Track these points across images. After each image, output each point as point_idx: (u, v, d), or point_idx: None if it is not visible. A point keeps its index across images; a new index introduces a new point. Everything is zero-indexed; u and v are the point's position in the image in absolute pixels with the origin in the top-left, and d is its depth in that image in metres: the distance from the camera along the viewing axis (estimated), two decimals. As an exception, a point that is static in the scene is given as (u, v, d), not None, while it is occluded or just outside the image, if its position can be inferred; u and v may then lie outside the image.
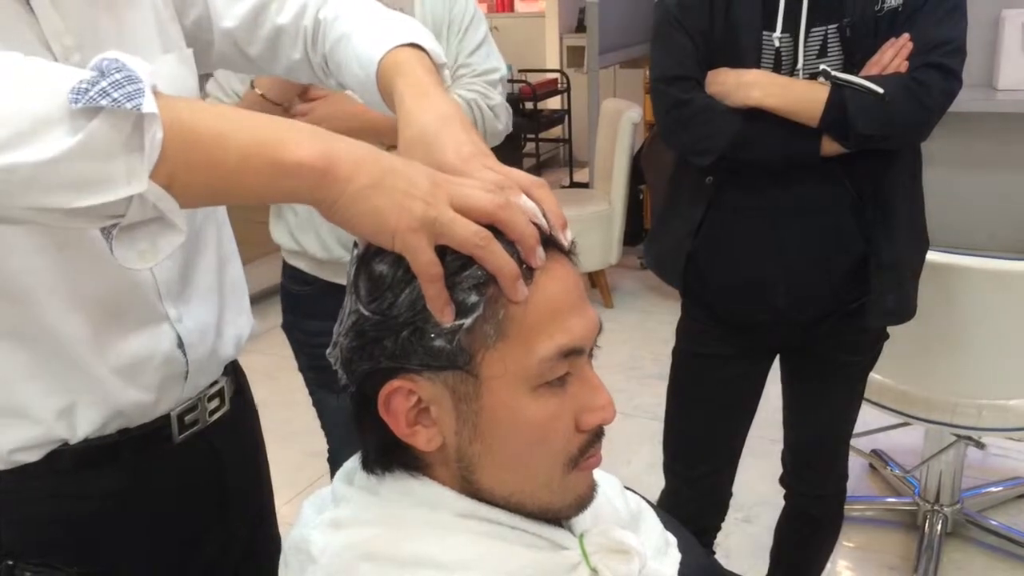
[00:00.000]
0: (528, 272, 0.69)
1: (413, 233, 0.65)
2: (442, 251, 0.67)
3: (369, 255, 0.71)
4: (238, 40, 1.06)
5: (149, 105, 0.60)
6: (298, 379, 1.89)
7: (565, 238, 0.73)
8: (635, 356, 3.54)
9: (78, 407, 0.91)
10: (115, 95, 0.59)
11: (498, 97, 1.66)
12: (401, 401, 0.71)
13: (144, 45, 0.94)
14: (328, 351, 0.75)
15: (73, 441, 0.91)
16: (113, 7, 0.91)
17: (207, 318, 1.01)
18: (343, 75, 1.01)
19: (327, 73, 1.06)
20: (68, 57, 0.85)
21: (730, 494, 1.84)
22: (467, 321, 0.68)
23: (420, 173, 0.68)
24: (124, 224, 0.62)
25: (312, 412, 1.95)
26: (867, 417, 2.29)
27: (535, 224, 0.70)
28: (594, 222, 4.03)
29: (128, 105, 0.59)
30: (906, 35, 1.42)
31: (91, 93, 0.59)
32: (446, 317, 0.68)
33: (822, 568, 1.94)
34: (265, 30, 1.06)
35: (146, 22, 0.95)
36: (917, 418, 2.18)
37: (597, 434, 0.76)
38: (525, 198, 0.72)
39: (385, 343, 0.70)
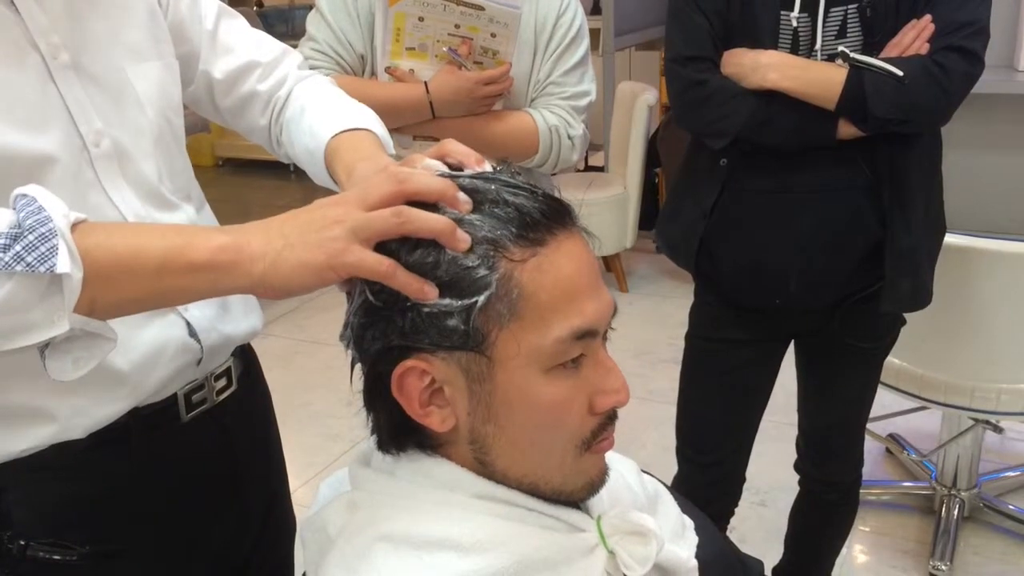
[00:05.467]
0: (538, 240, 0.70)
1: (344, 253, 0.68)
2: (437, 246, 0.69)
3: None
4: (215, 89, 1.10)
5: (63, 264, 0.64)
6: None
7: (485, 168, 0.76)
8: (650, 340, 3.53)
9: (97, 405, 0.91)
10: (29, 259, 0.63)
11: (580, 127, 1.64)
12: (414, 381, 0.71)
13: (134, 46, 0.95)
14: (340, 334, 0.75)
15: (85, 435, 0.92)
16: (101, 6, 0.92)
17: (211, 303, 1.01)
18: (294, 147, 1.07)
19: (279, 144, 1.12)
20: (56, 55, 0.86)
21: (743, 479, 1.83)
22: (480, 299, 0.68)
23: (322, 207, 0.72)
24: (56, 342, 0.67)
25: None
26: (884, 401, 2.28)
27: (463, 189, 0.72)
28: (609, 206, 4.01)
29: (42, 268, 0.63)
30: (927, 16, 1.39)
31: (6, 259, 0.63)
32: (429, 295, 0.68)
33: (837, 553, 1.93)
34: (242, 90, 1.10)
35: (138, 26, 0.96)
36: (935, 402, 2.16)
37: (610, 417, 0.75)
38: (427, 161, 0.76)
39: (396, 320, 0.70)
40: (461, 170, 0.76)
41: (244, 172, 6.96)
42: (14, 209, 0.67)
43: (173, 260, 0.69)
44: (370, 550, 0.71)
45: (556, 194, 0.74)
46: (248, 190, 6.65)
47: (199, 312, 0.99)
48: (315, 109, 1.05)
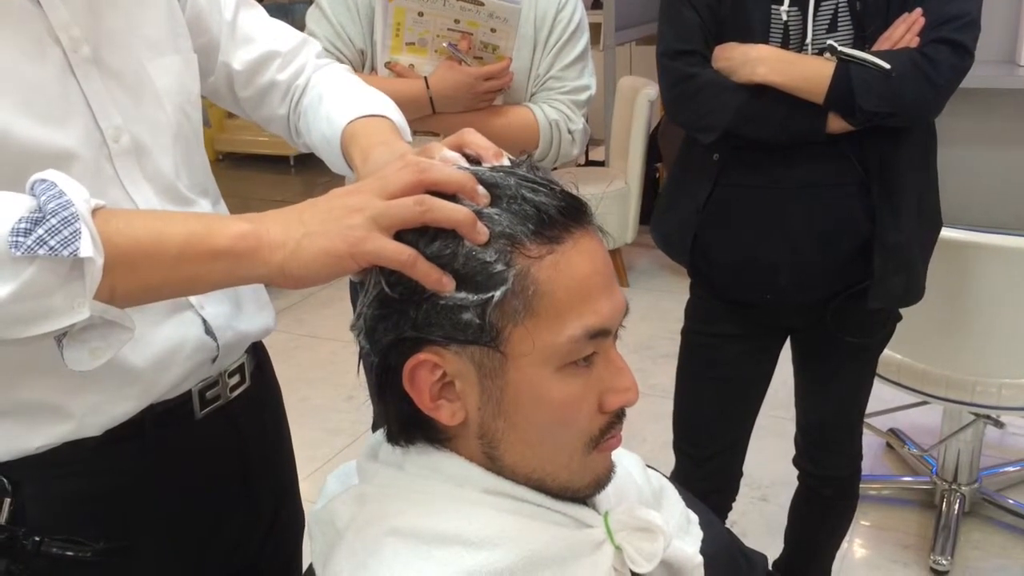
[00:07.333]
0: (556, 238, 0.70)
1: (365, 241, 0.67)
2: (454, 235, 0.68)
3: None
4: (234, 80, 1.10)
5: (86, 248, 0.63)
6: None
7: (502, 163, 0.75)
8: (650, 335, 3.53)
9: (112, 402, 0.91)
10: (52, 243, 0.62)
11: (580, 121, 1.63)
12: (426, 375, 0.71)
13: (152, 40, 0.95)
14: (351, 324, 0.75)
15: (100, 432, 0.91)
16: (121, 2, 0.92)
17: (225, 301, 1.01)
18: (311, 134, 1.06)
19: (297, 132, 1.11)
20: (77, 48, 0.86)
21: (740, 474, 1.83)
22: (496, 294, 0.68)
23: (339, 195, 0.71)
24: (74, 331, 0.66)
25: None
26: (885, 396, 2.29)
27: (476, 177, 0.72)
28: (610, 201, 4.00)
29: (65, 252, 0.63)
30: (918, 10, 1.39)
31: (28, 242, 0.62)
32: (447, 286, 0.68)
33: (836, 548, 1.94)
34: (262, 80, 1.10)
35: (157, 20, 0.96)
36: (936, 397, 2.17)
37: (618, 415, 0.76)
38: (445, 152, 0.75)
39: (410, 312, 0.70)
40: (479, 162, 0.76)
41: (243, 167, 6.95)
42: (33, 194, 0.66)
43: (193, 247, 0.68)
44: (379, 544, 0.71)
45: (574, 190, 0.74)
46: (247, 184, 6.64)
47: (215, 310, 0.98)
48: (332, 96, 1.04)
